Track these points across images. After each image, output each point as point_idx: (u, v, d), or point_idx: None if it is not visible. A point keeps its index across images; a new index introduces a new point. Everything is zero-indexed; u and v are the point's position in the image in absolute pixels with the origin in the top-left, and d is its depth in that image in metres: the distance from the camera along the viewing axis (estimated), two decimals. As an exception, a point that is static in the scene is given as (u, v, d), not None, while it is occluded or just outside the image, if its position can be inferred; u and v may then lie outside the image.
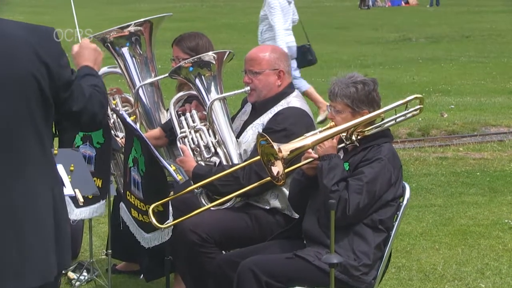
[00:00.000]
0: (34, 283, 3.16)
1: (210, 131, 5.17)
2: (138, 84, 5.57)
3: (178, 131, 5.24)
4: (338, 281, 4.33)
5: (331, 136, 4.53)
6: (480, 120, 11.59)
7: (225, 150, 5.11)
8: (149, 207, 4.77)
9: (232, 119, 5.27)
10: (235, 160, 5.06)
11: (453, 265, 6.31)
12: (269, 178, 4.56)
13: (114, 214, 5.62)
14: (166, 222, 4.77)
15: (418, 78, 16.43)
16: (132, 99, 5.64)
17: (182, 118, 5.25)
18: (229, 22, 29.76)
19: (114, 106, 5.57)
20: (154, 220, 4.71)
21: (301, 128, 4.86)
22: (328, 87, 4.67)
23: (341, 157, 4.61)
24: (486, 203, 7.96)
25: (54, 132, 3.45)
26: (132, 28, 5.52)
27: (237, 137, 5.17)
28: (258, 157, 4.56)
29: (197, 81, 5.20)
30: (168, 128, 5.47)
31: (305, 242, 4.65)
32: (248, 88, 5.10)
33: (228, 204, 5.01)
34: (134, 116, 5.54)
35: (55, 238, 3.21)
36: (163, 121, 5.62)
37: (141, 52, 5.55)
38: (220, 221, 4.94)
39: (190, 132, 5.21)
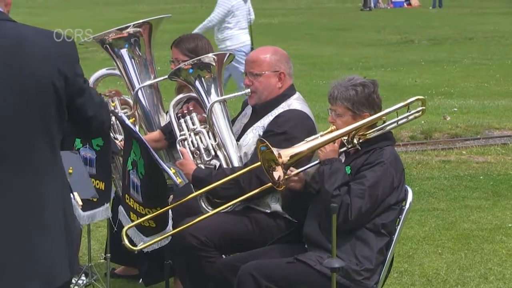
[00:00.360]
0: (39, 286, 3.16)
1: (210, 133, 5.14)
2: (137, 86, 5.57)
3: (178, 133, 5.21)
4: (340, 286, 4.32)
5: (332, 140, 4.52)
6: (483, 123, 11.56)
7: (225, 153, 5.08)
8: (148, 211, 4.74)
9: (232, 122, 5.25)
10: (235, 163, 5.03)
11: (456, 270, 6.30)
12: (270, 184, 4.55)
13: (113, 218, 5.59)
14: (164, 232, 4.75)
15: (420, 80, 16.41)
16: (131, 101, 5.64)
17: (182, 120, 5.23)
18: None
19: (113, 108, 5.58)
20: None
21: (302, 131, 4.85)
22: (328, 91, 4.65)
23: (343, 160, 4.59)
24: (490, 207, 7.93)
25: None
26: (131, 30, 5.54)
27: (238, 140, 5.14)
28: (259, 163, 4.54)
29: (197, 83, 5.19)
30: (168, 131, 5.46)
31: (306, 246, 4.63)
32: (249, 90, 5.08)
33: (228, 207, 4.97)
34: (133, 119, 5.55)
35: (66, 242, 3.23)
36: (162, 123, 5.63)
37: (140, 54, 5.58)
38: (220, 224, 4.92)
39: (190, 135, 5.18)
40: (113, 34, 5.52)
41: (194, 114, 5.22)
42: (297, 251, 4.58)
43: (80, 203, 4.51)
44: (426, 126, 11.24)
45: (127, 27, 5.53)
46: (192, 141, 5.16)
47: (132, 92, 5.59)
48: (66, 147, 4.88)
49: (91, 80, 5.64)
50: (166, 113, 5.62)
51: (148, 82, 5.58)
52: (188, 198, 4.84)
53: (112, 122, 5.60)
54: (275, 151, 4.39)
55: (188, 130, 5.19)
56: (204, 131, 5.15)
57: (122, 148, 5.23)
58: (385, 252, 4.56)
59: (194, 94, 5.28)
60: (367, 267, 4.45)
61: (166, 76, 5.38)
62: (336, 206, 4.17)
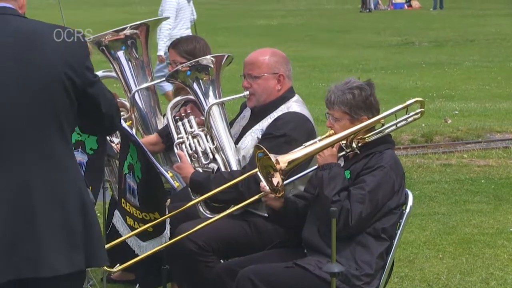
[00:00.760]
0: (47, 273, 3.31)
1: (208, 136, 5.12)
2: (134, 88, 5.58)
3: (175, 136, 5.19)
4: (339, 291, 4.29)
5: (330, 145, 4.49)
6: (484, 126, 11.54)
7: (223, 156, 5.05)
8: (145, 215, 4.69)
9: (230, 124, 5.23)
10: (234, 167, 5.00)
11: (457, 274, 6.26)
12: (269, 191, 4.51)
13: (108, 222, 5.55)
14: (161, 236, 4.72)
15: (421, 83, 16.40)
16: (128, 104, 5.64)
17: (180, 123, 5.22)
18: (227, 25, 29.76)
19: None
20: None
21: (301, 133, 4.83)
22: (325, 95, 4.63)
23: (342, 165, 4.55)
24: (491, 211, 7.89)
25: None
26: (127, 31, 5.55)
27: (236, 142, 5.11)
28: (256, 169, 4.52)
29: (195, 86, 5.18)
30: (165, 134, 5.46)
31: (305, 251, 4.60)
32: (247, 92, 5.06)
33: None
34: (130, 121, 5.56)
35: (83, 234, 3.37)
36: (159, 126, 5.63)
37: (137, 56, 5.59)
38: (218, 228, 4.88)
39: (187, 138, 5.16)
40: (110, 36, 5.54)
41: (192, 117, 5.20)
42: (296, 256, 4.55)
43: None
44: (427, 129, 11.22)
45: (123, 29, 5.54)
46: (189, 144, 5.13)
47: (129, 95, 5.60)
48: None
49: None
50: (164, 116, 5.59)
51: (145, 85, 5.61)
52: (187, 206, 4.81)
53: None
54: (272, 157, 4.36)
55: (186, 133, 5.17)
56: (202, 134, 5.12)
57: (118, 151, 5.20)
58: (385, 256, 4.53)
59: (191, 97, 5.26)
60: (367, 272, 4.42)
61: (164, 79, 5.37)
62: (336, 210, 4.14)
